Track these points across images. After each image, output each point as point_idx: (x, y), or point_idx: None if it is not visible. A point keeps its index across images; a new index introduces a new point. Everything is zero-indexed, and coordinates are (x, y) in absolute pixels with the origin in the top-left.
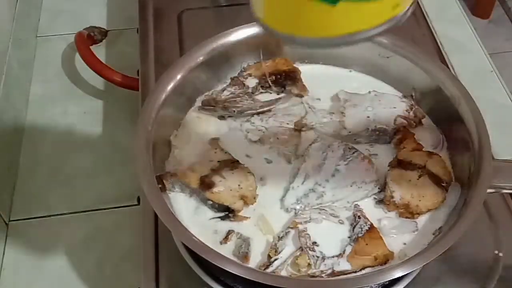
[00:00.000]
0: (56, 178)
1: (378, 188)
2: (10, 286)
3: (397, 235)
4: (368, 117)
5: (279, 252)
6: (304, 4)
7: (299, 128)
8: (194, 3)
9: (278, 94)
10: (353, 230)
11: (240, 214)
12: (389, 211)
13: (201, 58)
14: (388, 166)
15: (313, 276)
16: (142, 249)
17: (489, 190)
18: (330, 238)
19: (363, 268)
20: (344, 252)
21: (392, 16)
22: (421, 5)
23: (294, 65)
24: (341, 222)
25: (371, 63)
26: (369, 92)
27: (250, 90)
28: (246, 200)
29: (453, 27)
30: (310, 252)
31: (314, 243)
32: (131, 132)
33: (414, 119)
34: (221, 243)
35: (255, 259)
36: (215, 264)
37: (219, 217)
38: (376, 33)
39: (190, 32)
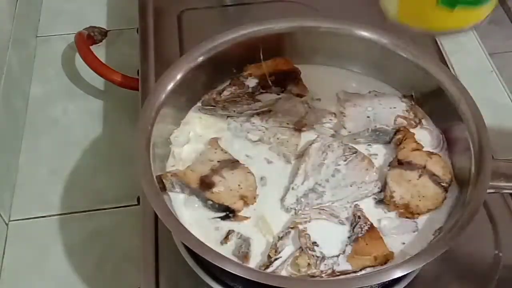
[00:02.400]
0: (56, 178)
1: (378, 188)
2: (10, 286)
3: (397, 235)
4: (368, 117)
5: (279, 252)
6: (433, 9)
7: (299, 128)
8: (194, 3)
9: (278, 94)
10: (353, 230)
11: (240, 214)
12: (389, 211)
13: (201, 58)
14: (388, 166)
15: (313, 276)
16: (142, 249)
17: (489, 190)
18: (330, 238)
19: (363, 268)
20: (344, 252)
21: (488, 13)
22: None
23: (294, 65)
24: (341, 222)
25: (371, 63)
26: (369, 92)
27: (250, 90)
28: (246, 200)
29: None
30: (310, 252)
31: (314, 243)
32: (131, 132)
33: (414, 119)
34: (221, 243)
35: (255, 259)
36: (215, 264)
37: (219, 217)
38: (480, 24)
39: (190, 32)
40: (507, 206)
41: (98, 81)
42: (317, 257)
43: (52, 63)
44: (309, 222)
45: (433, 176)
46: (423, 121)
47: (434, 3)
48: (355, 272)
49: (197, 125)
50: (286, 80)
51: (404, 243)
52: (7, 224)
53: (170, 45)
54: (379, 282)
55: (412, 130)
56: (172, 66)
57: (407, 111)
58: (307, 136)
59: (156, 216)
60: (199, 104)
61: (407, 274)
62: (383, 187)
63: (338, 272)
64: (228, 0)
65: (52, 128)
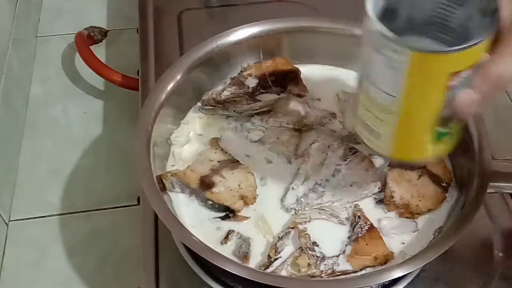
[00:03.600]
0: (56, 178)
1: (378, 188)
2: (10, 286)
3: (397, 235)
4: None
5: (279, 252)
6: (427, 144)
7: (299, 128)
8: (194, 3)
9: (278, 94)
10: (353, 230)
11: (240, 214)
12: (389, 211)
13: (201, 58)
14: (388, 166)
15: (313, 276)
16: (142, 249)
17: (489, 190)
18: (330, 238)
19: (363, 268)
20: (344, 252)
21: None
22: None
23: (294, 65)
24: (341, 222)
25: None
26: None
27: (250, 90)
28: (246, 200)
29: None
30: (310, 252)
31: (314, 243)
32: (131, 132)
33: None
34: (221, 243)
35: (255, 259)
36: (215, 264)
37: (219, 217)
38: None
39: (190, 32)
40: (507, 206)
41: (98, 81)
42: (317, 257)
43: (52, 63)
44: (309, 222)
45: (433, 176)
46: None
47: (434, 140)
48: (355, 272)
49: (197, 125)
50: (286, 80)
51: (404, 243)
52: (7, 224)
53: (170, 45)
54: (379, 282)
55: None
56: (172, 66)
57: None
58: (307, 136)
59: (156, 216)
60: (199, 104)
61: (407, 274)
62: (383, 187)
63: (338, 272)
64: (215, 1)
65: (52, 128)
